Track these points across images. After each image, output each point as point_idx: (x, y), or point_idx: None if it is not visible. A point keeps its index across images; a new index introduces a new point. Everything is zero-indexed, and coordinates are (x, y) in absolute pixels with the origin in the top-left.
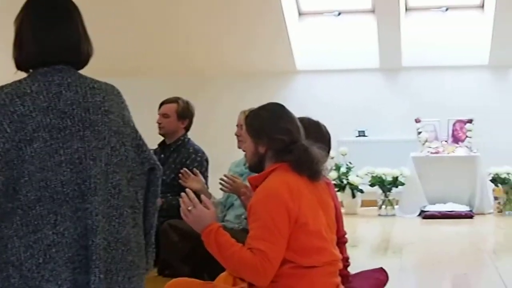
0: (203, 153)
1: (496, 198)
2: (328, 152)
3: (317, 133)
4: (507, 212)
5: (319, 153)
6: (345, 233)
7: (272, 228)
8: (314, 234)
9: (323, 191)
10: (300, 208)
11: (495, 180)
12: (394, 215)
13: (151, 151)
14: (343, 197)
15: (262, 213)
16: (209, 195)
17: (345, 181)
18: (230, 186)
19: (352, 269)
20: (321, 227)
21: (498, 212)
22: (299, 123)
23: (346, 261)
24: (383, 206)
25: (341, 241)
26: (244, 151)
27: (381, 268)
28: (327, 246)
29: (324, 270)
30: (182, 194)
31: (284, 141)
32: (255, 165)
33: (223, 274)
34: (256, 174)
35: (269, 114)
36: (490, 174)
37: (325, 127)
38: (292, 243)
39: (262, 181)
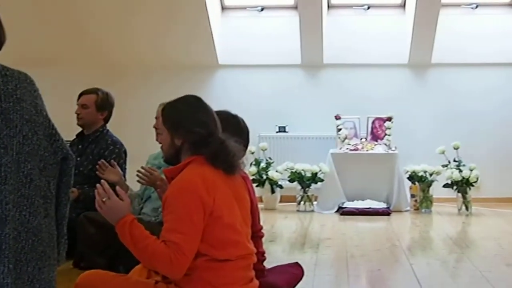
0: (121, 144)
1: (413, 196)
2: (246, 146)
3: (236, 127)
4: (423, 210)
5: (236, 147)
6: (261, 228)
7: (186, 220)
8: (228, 227)
9: (239, 185)
10: (215, 201)
11: (412, 177)
12: (312, 211)
13: (69, 141)
14: (262, 192)
15: (176, 206)
16: (126, 187)
17: (264, 176)
18: (147, 178)
19: (269, 264)
20: (236, 221)
21: (415, 209)
22: (216, 116)
23: (262, 255)
24: (302, 202)
25: (257, 235)
26: (160, 143)
27: (297, 263)
28: (241, 239)
29: (238, 263)
30: (97, 185)
31: (201, 134)
32: (171, 157)
33: (137, 267)
34: (172, 167)
35: (186, 107)
36: (407, 171)
37: (243, 121)
38: (206, 236)
39: (178, 173)
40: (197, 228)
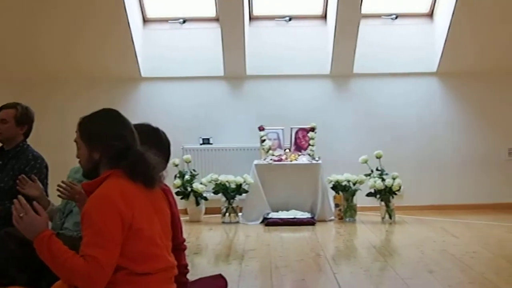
0: (42, 159)
1: (337, 205)
2: (167, 158)
3: (156, 139)
4: (347, 219)
5: (155, 160)
6: (184, 240)
7: (105, 234)
8: (148, 240)
9: (158, 198)
10: (134, 215)
11: (336, 187)
12: (237, 222)
13: None
14: (187, 204)
15: (94, 220)
16: (47, 202)
17: (189, 189)
18: (68, 192)
19: (194, 276)
20: (156, 234)
21: (339, 219)
22: (134, 129)
23: (185, 268)
24: (227, 214)
25: (180, 248)
26: (78, 157)
27: (220, 274)
28: (161, 252)
29: (159, 276)
30: (14, 200)
31: (119, 147)
32: (90, 171)
33: (58, 283)
34: (90, 181)
35: (103, 120)
36: (331, 181)
37: (164, 133)
38: (125, 250)
39: (97, 187)
40: (116, 242)
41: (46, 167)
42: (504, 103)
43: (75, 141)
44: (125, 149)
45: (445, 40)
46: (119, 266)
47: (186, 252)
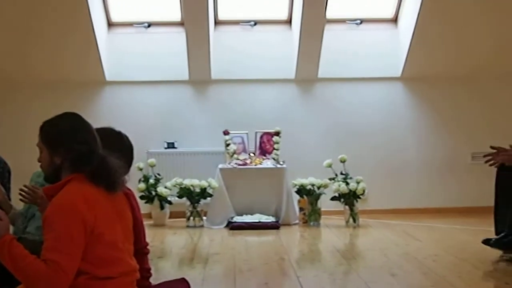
0: (5, 163)
1: (301, 209)
2: (130, 163)
3: (119, 143)
4: (311, 223)
5: (117, 164)
6: (147, 244)
7: (66, 239)
8: (110, 244)
9: (120, 202)
10: (96, 219)
11: (300, 191)
12: (202, 226)
13: None
14: (151, 208)
15: (56, 224)
16: (9, 206)
17: (153, 193)
18: (30, 196)
19: (157, 280)
20: (117, 238)
21: (303, 222)
22: (96, 133)
23: (147, 272)
24: (191, 218)
25: (143, 252)
26: (39, 161)
27: (183, 278)
28: (123, 256)
29: (120, 280)
30: None
31: (80, 151)
32: (51, 176)
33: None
34: (52, 185)
35: (64, 124)
36: (295, 185)
37: (127, 137)
38: (87, 254)
39: (58, 191)
40: (78, 246)
41: (9, 171)
42: (467, 107)
43: (38, 145)
44: (87, 153)
45: (409, 45)
46: (81, 271)
47: (150, 256)
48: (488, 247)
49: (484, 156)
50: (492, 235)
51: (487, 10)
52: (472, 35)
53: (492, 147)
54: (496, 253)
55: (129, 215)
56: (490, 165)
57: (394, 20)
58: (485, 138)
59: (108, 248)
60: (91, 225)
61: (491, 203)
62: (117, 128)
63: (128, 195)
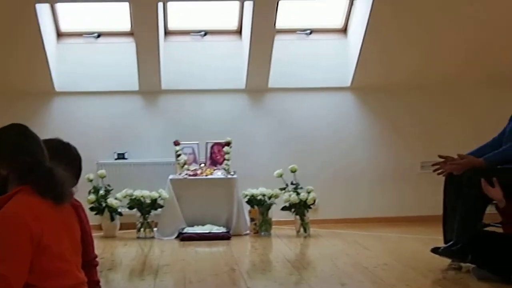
0: None
1: (252, 219)
2: (78, 174)
3: (66, 155)
4: (262, 233)
5: (64, 175)
6: (95, 256)
7: (13, 251)
8: (57, 257)
9: (68, 214)
10: (43, 231)
11: (251, 201)
12: (153, 237)
13: None
14: (102, 220)
15: (2, 237)
16: None
17: (103, 204)
18: None
19: None
20: (65, 250)
21: (254, 233)
22: (42, 145)
23: (96, 284)
24: (142, 229)
25: (91, 264)
26: None
27: None
28: (71, 269)
29: None
30: None
31: (26, 163)
32: None
33: None
34: None
35: (9, 136)
36: (246, 195)
37: (75, 149)
38: (34, 267)
39: (4, 204)
40: (25, 259)
41: None
42: (417, 117)
43: None
44: (33, 165)
45: (359, 55)
46: (28, 283)
47: (100, 268)
48: (437, 256)
49: (432, 165)
50: (442, 244)
51: (440, 18)
52: (419, 46)
53: (440, 156)
54: (445, 261)
55: (77, 227)
56: (438, 174)
57: (344, 30)
58: (435, 148)
59: (55, 260)
60: (38, 237)
61: (441, 212)
62: (66, 139)
63: (76, 207)
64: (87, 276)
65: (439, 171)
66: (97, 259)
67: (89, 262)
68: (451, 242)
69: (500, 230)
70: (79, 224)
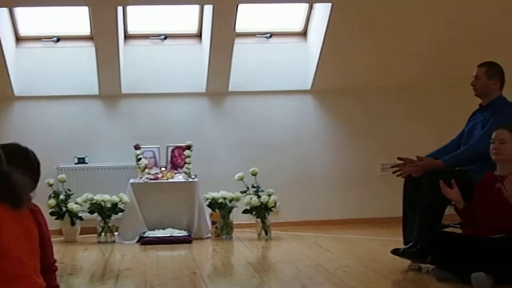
0: None
1: (213, 223)
2: (37, 179)
3: (24, 159)
4: (224, 236)
5: (23, 180)
6: (54, 261)
7: None
8: (16, 261)
9: (26, 219)
10: (1, 236)
11: (212, 204)
12: (114, 241)
13: None
14: (62, 225)
15: None
16: None
17: (64, 209)
18: None
19: None
20: (23, 255)
21: (216, 236)
22: (0, 150)
23: None
24: (103, 233)
25: (51, 269)
26: None
27: None
28: (29, 274)
29: None
30: None
31: None
32: None
33: None
34: None
35: None
36: (207, 199)
37: (33, 153)
38: None
39: None
40: None
41: None
42: (377, 120)
43: None
44: None
45: (318, 58)
46: None
47: (60, 273)
48: (397, 257)
49: (392, 167)
50: (402, 245)
51: (398, 22)
52: (378, 49)
53: (399, 158)
54: (405, 263)
55: (35, 232)
56: (398, 175)
57: (304, 33)
58: (395, 150)
59: (13, 265)
60: None
61: (401, 213)
62: (26, 144)
63: (35, 211)
64: (46, 281)
65: (398, 173)
66: (56, 264)
67: (48, 267)
68: (411, 244)
69: (459, 231)
70: (37, 228)
